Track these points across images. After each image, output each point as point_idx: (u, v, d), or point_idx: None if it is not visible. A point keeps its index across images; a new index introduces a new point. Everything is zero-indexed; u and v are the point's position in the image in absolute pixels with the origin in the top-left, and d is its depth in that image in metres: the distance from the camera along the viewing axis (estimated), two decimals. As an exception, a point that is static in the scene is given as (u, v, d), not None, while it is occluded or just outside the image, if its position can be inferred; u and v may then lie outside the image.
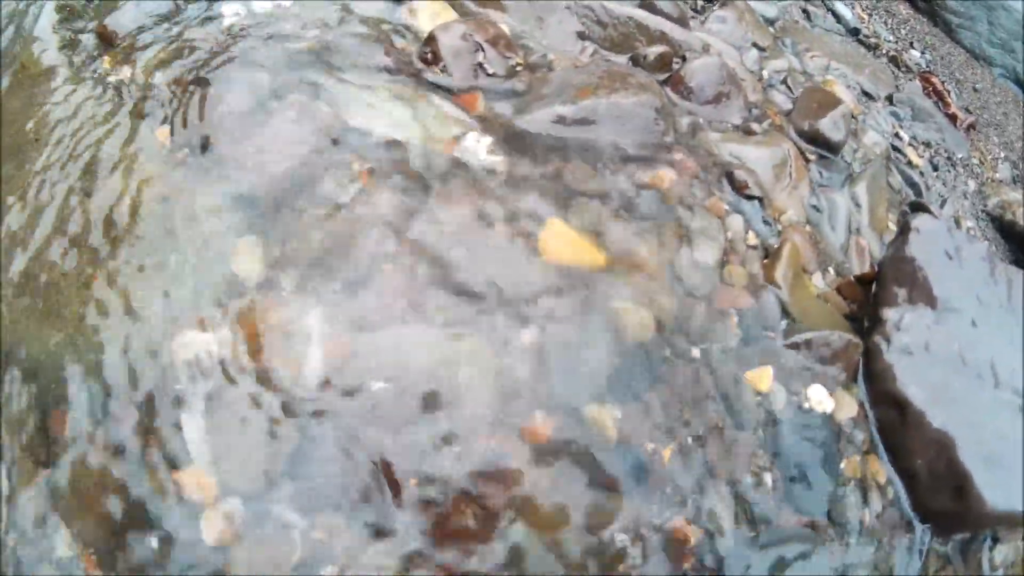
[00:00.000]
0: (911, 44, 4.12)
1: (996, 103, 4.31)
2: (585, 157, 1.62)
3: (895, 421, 1.65)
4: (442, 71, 1.70)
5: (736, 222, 1.71)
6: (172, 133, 1.61)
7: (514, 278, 1.42)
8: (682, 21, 2.25)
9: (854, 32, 3.60)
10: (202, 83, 1.70)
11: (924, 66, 3.95)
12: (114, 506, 1.20)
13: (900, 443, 1.64)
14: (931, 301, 1.76)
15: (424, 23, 1.88)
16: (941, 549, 1.66)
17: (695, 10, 2.55)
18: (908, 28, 4.29)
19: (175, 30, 1.88)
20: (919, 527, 1.64)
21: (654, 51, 1.97)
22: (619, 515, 1.33)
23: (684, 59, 2.05)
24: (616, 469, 1.36)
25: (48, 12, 2.14)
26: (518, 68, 1.75)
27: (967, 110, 3.85)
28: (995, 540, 1.76)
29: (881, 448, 1.67)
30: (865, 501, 1.57)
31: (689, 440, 1.45)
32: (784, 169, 1.94)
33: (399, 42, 1.83)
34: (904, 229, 1.84)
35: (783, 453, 1.54)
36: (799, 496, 1.48)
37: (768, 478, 1.45)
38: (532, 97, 1.69)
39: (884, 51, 3.70)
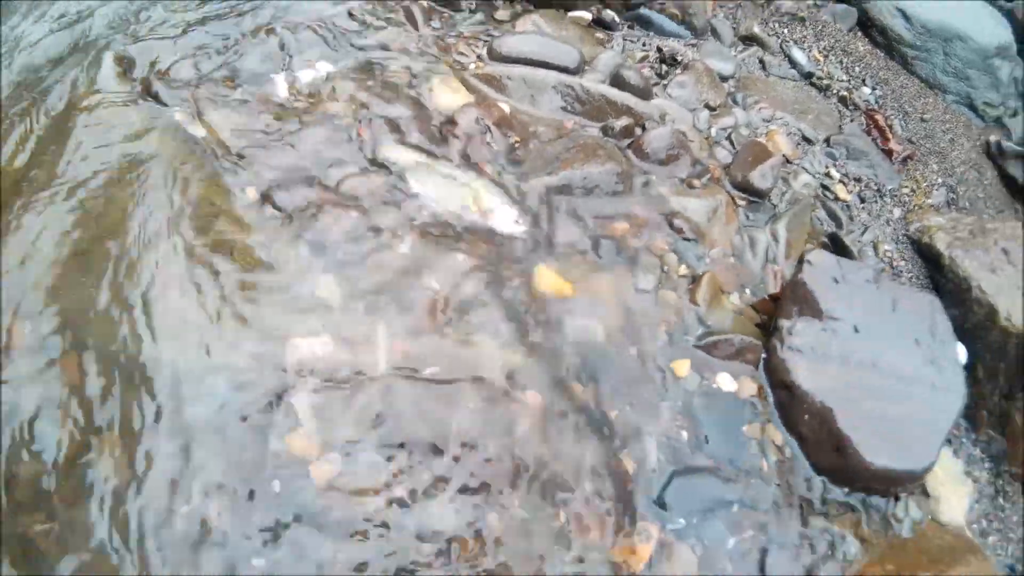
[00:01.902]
0: (863, 81, 4.77)
1: (943, 131, 4.89)
2: (567, 213, 2.34)
3: (787, 399, 2.34)
4: (463, 146, 2.42)
5: (671, 259, 2.43)
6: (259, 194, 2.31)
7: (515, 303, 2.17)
8: (645, 92, 2.96)
9: (808, 76, 4.29)
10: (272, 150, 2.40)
11: (873, 102, 4.60)
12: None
13: (791, 415, 2.33)
14: (817, 314, 2.47)
15: (441, 99, 2.59)
16: (843, 499, 2.26)
17: (659, 75, 3.25)
18: (863, 65, 4.91)
19: (237, 93, 2.56)
20: (816, 477, 2.29)
21: (620, 123, 2.68)
22: (587, 455, 2.03)
23: (644, 128, 2.76)
24: (585, 423, 2.08)
25: (108, 64, 2.64)
26: (516, 145, 2.46)
27: (910, 141, 4.52)
28: (896, 498, 2.35)
29: (777, 419, 2.38)
30: (764, 455, 2.28)
31: (629, 407, 2.17)
32: (716, 214, 2.65)
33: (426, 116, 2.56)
34: (800, 261, 2.57)
35: (696, 418, 2.23)
36: (708, 447, 2.19)
37: (684, 434, 2.16)
38: (527, 167, 2.41)
39: (835, 91, 4.38)
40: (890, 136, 4.30)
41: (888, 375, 2.44)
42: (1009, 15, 5.09)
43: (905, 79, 4.96)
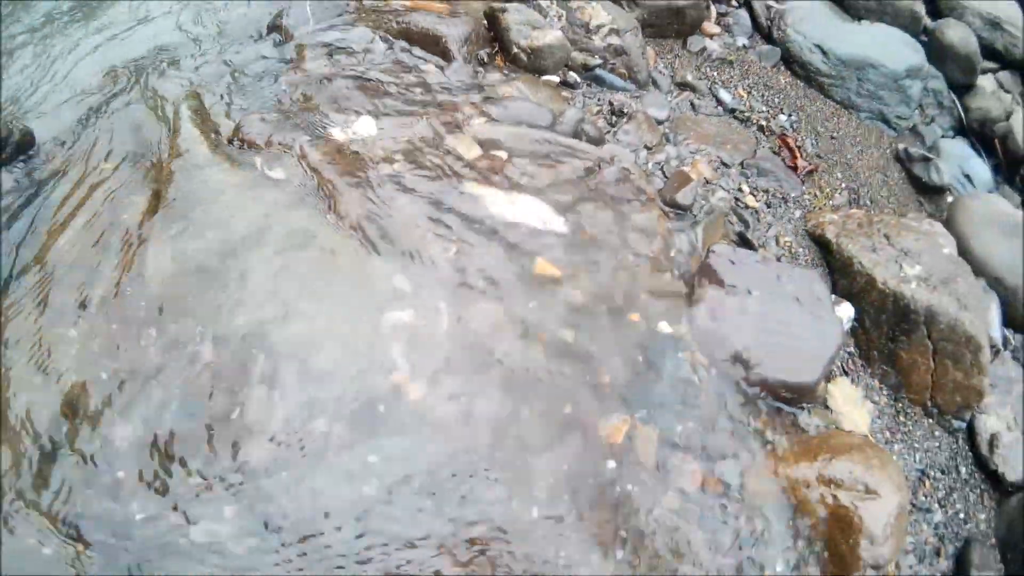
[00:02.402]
0: (781, 110, 5.92)
1: (852, 144, 5.84)
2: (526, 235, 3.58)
3: (703, 336, 3.57)
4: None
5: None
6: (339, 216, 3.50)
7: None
8: (599, 140, 4.19)
9: (732, 111, 5.51)
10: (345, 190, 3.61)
11: (788, 127, 5.75)
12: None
13: (709, 345, 3.52)
14: (719, 284, 3.70)
15: (463, 151, 3.81)
16: (766, 407, 3.13)
17: (611, 124, 4.48)
18: (782, 96, 5.91)
19: (305, 138, 3.73)
20: (737, 384, 3.44)
21: (583, 164, 3.90)
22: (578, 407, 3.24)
23: (599, 167, 3.98)
24: (575, 353, 3.28)
25: (186, 116, 3.37)
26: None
27: (818, 156, 5.66)
28: (802, 408, 3.08)
29: (700, 349, 3.55)
30: (695, 371, 3.44)
31: (600, 343, 3.38)
32: (651, 225, 3.88)
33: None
34: (708, 253, 3.81)
35: (646, 349, 3.46)
36: (656, 368, 3.40)
37: (640, 358, 3.36)
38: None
39: (755, 121, 5.55)
40: (798, 155, 5.44)
41: (778, 322, 3.51)
42: (931, 40, 5.64)
43: (821, 103, 5.80)
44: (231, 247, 2.83)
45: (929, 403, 3.39)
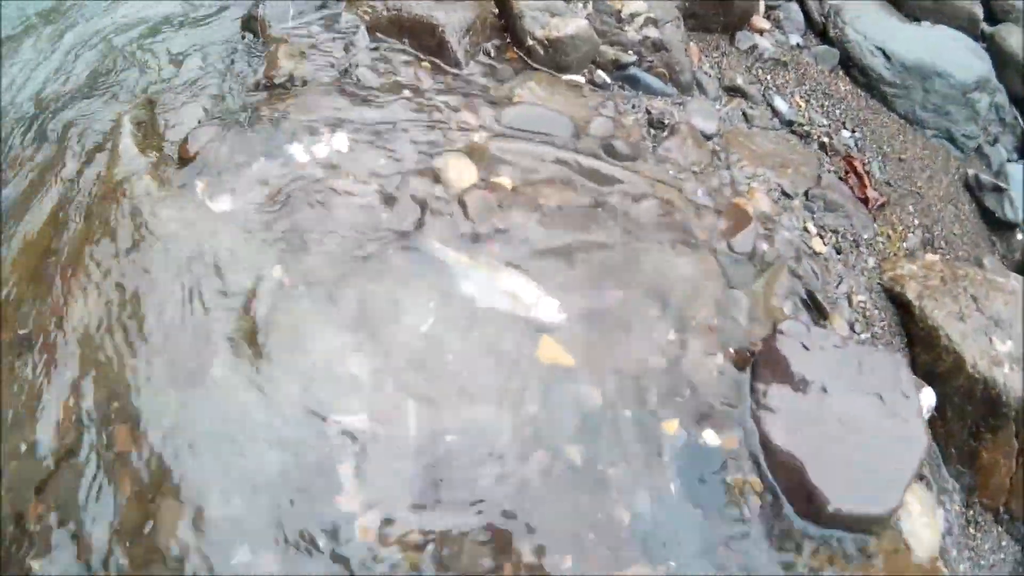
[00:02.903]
0: (843, 124, 4.99)
1: (921, 168, 5.09)
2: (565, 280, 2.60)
3: (762, 453, 2.62)
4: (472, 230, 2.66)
5: (662, 324, 2.66)
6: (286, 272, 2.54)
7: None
8: (636, 157, 3.18)
9: (789, 124, 4.52)
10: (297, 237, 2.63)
11: (853, 146, 4.82)
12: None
13: (768, 467, 2.59)
14: (788, 378, 2.72)
15: (454, 178, 2.82)
16: (819, 536, 2.53)
17: (649, 138, 3.48)
18: (844, 107, 5.09)
19: (255, 166, 2.76)
20: (796, 519, 2.52)
21: (613, 198, 2.91)
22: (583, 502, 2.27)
23: (635, 198, 2.98)
24: (583, 480, 2.31)
25: (127, 131, 2.81)
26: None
27: (888, 183, 4.75)
28: (869, 533, 2.59)
29: (756, 471, 2.62)
30: (745, 500, 2.50)
31: (623, 464, 2.40)
32: (705, 278, 2.88)
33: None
34: (775, 330, 2.81)
35: (684, 470, 2.49)
36: (695, 495, 2.42)
37: (672, 486, 2.39)
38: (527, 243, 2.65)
39: (815, 137, 4.61)
40: (867, 183, 4.51)
41: (854, 429, 2.68)
42: (989, 45, 5.22)
43: (885, 117, 5.07)
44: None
45: (1002, 509, 2.99)
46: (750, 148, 3.93)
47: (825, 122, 4.84)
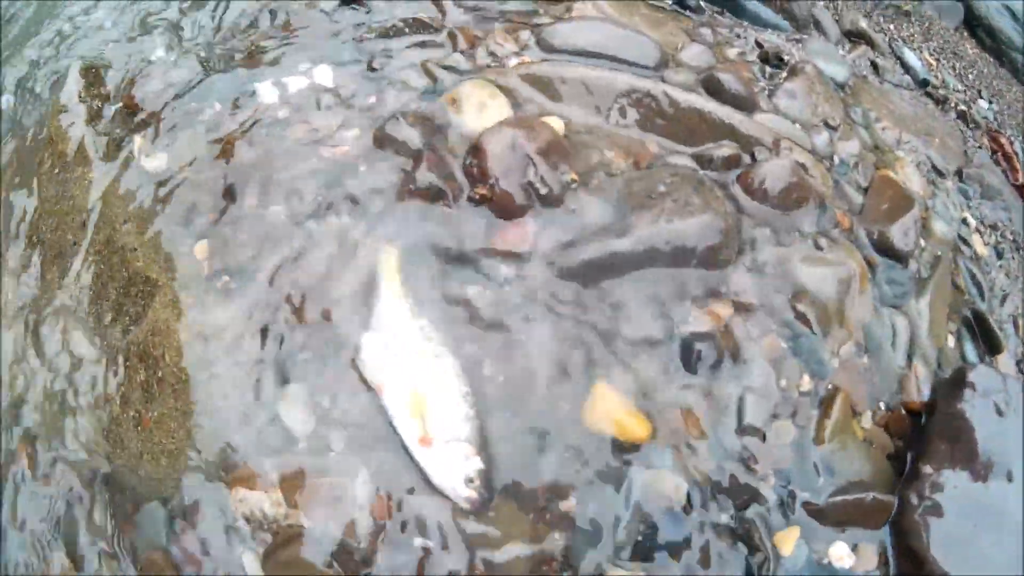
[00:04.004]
0: (979, 93, 3.91)
1: None
2: (635, 297, 1.52)
3: (912, 572, 1.60)
4: (489, 191, 1.58)
5: (791, 367, 1.59)
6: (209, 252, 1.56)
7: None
8: (750, 102, 2.10)
9: (923, 84, 3.41)
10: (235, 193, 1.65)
11: (992, 119, 3.75)
12: None
13: None
14: (972, 460, 1.68)
15: (470, 118, 1.76)
16: None
17: (764, 76, 2.39)
18: (975, 72, 4.08)
19: (207, 113, 1.81)
20: None
21: (721, 153, 1.84)
22: None
23: (753, 156, 1.91)
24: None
25: (74, 77, 2.19)
26: (572, 184, 1.62)
27: (1034, 168, 3.63)
28: None
29: None
30: None
31: None
32: (848, 289, 1.82)
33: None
34: (960, 381, 1.74)
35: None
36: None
37: None
38: (585, 224, 1.57)
39: (953, 104, 3.51)
40: (1018, 166, 3.44)
41: None
42: None
43: (1018, 91, 4.20)
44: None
45: None
46: (887, 107, 2.83)
47: (960, 87, 3.79)
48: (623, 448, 1.43)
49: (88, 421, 1.62)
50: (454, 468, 1.40)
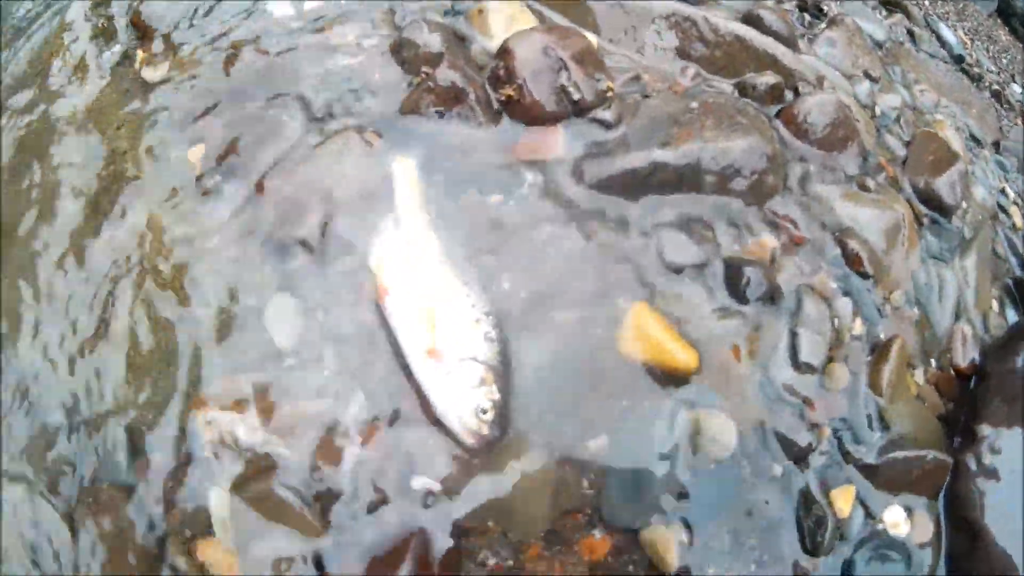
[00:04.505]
0: (1012, 77, 3.77)
1: None
2: (678, 216, 1.36)
3: (966, 548, 1.45)
4: (517, 92, 1.42)
5: (844, 307, 1.44)
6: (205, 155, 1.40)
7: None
8: (791, 42, 1.96)
9: (959, 60, 3.26)
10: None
11: (1024, 102, 3.60)
12: None
13: (964, 571, 1.43)
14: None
15: (497, 31, 1.61)
16: None
17: (804, 25, 2.24)
18: (1009, 58, 3.95)
19: (215, 26, 1.66)
20: None
21: (764, 81, 1.69)
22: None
23: (796, 91, 1.76)
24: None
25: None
26: (609, 92, 1.47)
27: (1064, 157, 3.48)
28: None
29: (943, 572, 1.45)
30: None
31: (753, 567, 1.22)
32: (897, 236, 1.67)
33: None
34: (1015, 338, 1.59)
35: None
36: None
37: None
38: (623, 134, 1.42)
39: (987, 83, 3.37)
40: (1051, 148, 3.28)
41: None
42: None
43: None
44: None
45: None
46: (925, 72, 2.68)
47: (994, 68, 3.64)
48: (664, 381, 1.23)
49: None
50: (465, 393, 1.21)
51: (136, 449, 1.28)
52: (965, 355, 1.71)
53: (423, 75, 1.50)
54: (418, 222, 1.32)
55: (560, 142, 1.39)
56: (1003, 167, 2.65)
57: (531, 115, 1.41)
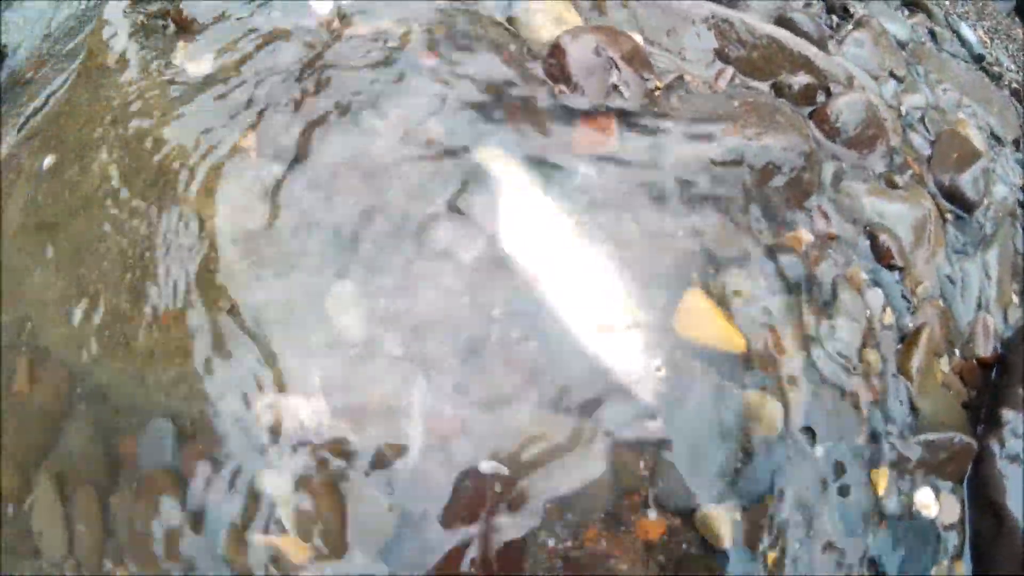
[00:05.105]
0: (1030, 77, 3.80)
1: None
2: (722, 208, 1.43)
3: (990, 530, 1.51)
4: (573, 89, 1.50)
5: (875, 297, 1.52)
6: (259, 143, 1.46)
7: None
8: (821, 43, 2.02)
9: (979, 59, 3.31)
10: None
11: (1042, 103, 3.63)
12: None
13: (989, 553, 1.49)
14: None
15: (544, 27, 1.68)
16: None
17: (831, 27, 2.30)
18: None
19: (259, 20, 1.72)
20: None
21: (799, 81, 1.76)
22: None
23: (828, 92, 1.83)
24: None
25: None
26: (657, 92, 1.54)
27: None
28: None
29: (968, 554, 1.52)
30: None
31: (797, 545, 1.30)
32: (924, 232, 1.74)
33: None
34: None
35: (882, 559, 1.39)
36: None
37: None
38: (673, 131, 1.49)
39: (1007, 82, 3.40)
40: (1069, 148, 3.32)
41: None
42: None
43: None
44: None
45: None
46: (947, 73, 2.73)
47: (1014, 67, 3.66)
48: (718, 360, 1.31)
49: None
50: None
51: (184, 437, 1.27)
52: (987, 346, 1.78)
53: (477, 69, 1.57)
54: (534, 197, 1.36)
55: (615, 138, 1.45)
56: (1023, 165, 2.70)
57: (586, 111, 1.48)
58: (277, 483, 1.22)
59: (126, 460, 1.27)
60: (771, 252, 1.42)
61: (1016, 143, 2.78)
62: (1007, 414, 1.58)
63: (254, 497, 1.22)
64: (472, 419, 1.23)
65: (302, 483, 1.22)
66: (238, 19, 1.87)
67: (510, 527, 1.19)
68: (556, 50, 1.55)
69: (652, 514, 1.21)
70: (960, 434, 1.49)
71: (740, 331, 1.32)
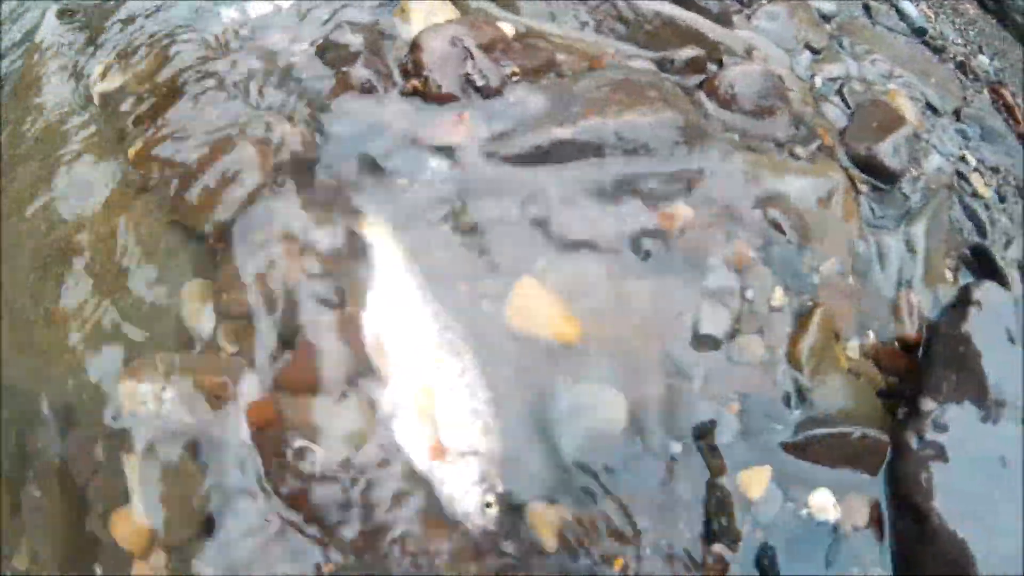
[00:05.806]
0: (980, 49, 3.66)
1: None
2: (581, 192, 1.29)
3: (912, 533, 1.34)
4: (423, 84, 1.38)
5: (761, 276, 1.37)
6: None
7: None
8: (722, 18, 1.89)
9: (920, 32, 3.17)
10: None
11: (993, 74, 3.49)
12: None
13: (913, 558, 1.32)
14: (981, 393, 1.40)
15: (417, 26, 1.57)
16: None
17: (741, 2, 2.17)
18: (976, 30, 3.83)
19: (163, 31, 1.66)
20: None
21: (683, 55, 1.63)
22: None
23: (721, 63, 1.69)
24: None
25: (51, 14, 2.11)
26: (514, 77, 1.42)
27: (1039, 127, 3.38)
28: None
29: (890, 558, 1.35)
30: None
31: (648, 552, 1.15)
32: (831, 204, 1.59)
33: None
34: (964, 299, 1.49)
35: (765, 566, 1.23)
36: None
37: None
38: (527, 116, 1.36)
39: (951, 55, 3.27)
40: (1020, 117, 3.19)
41: None
42: None
43: (1020, 53, 3.94)
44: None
45: None
46: (879, 45, 2.60)
47: (960, 40, 3.53)
48: (548, 352, 1.18)
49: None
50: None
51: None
52: (911, 325, 1.62)
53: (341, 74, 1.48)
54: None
55: (465, 126, 1.33)
56: (964, 135, 2.56)
57: (436, 103, 1.36)
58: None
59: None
60: (631, 236, 1.27)
61: (956, 113, 2.64)
62: (927, 403, 1.42)
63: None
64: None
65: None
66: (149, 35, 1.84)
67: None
68: (414, 47, 1.44)
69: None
70: (862, 428, 1.33)
71: (577, 318, 1.17)
